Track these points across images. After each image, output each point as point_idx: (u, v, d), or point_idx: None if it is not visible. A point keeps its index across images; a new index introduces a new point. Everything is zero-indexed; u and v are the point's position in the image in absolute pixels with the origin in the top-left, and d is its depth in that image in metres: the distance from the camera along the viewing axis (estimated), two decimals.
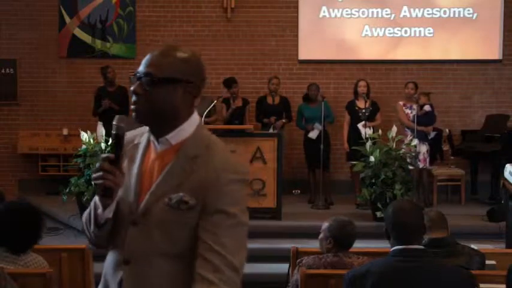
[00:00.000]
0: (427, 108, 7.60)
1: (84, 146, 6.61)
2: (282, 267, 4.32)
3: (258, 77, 8.80)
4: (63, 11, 8.84)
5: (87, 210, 1.90)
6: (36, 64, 8.91)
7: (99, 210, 1.81)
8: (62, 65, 8.93)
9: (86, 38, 8.88)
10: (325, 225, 3.43)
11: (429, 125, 7.58)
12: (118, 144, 1.78)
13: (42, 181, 8.70)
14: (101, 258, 5.13)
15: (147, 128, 1.87)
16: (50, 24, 8.86)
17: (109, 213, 1.80)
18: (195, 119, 1.87)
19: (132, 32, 8.90)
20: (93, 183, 1.79)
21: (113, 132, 1.78)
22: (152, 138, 1.85)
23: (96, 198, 1.82)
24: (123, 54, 8.90)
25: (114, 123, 1.79)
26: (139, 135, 1.91)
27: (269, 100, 8.03)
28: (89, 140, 6.61)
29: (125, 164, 1.85)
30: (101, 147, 6.58)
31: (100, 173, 1.74)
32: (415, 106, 7.45)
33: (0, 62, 8.83)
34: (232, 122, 7.82)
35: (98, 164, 1.76)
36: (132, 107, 1.82)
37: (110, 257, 1.89)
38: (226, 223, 1.73)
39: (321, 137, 7.47)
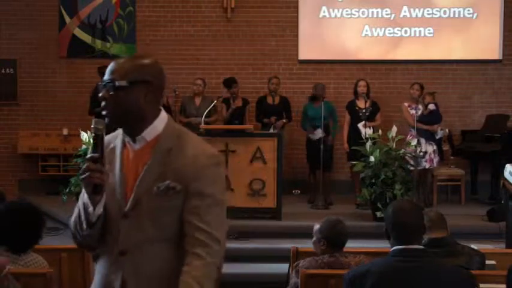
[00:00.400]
0: (431, 107, 7.59)
1: (84, 146, 6.61)
2: (282, 267, 4.32)
3: (258, 77, 8.79)
4: (63, 11, 8.84)
5: (74, 215, 2.01)
6: (36, 64, 8.91)
7: (90, 209, 1.93)
8: (62, 65, 8.92)
9: (86, 38, 8.88)
10: (316, 227, 3.44)
11: (434, 123, 7.56)
12: (99, 145, 1.95)
13: (42, 181, 8.70)
14: None
15: (120, 131, 2.06)
16: (50, 24, 8.85)
17: (99, 209, 1.94)
18: (163, 115, 2.05)
19: (132, 32, 8.90)
20: (81, 183, 1.92)
21: (93, 133, 1.96)
22: (127, 139, 2.02)
23: (85, 198, 1.94)
24: (123, 54, 8.88)
25: (92, 126, 1.95)
26: (114, 139, 2.08)
27: (269, 100, 8.03)
28: (89, 140, 6.61)
29: (107, 167, 1.98)
30: None
31: (88, 173, 1.89)
32: (420, 106, 7.44)
33: (0, 62, 8.83)
34: (232, 122, 7.82)
35: (83, 165, 1.91)
36: (103, 112, 1.98)
37: (103, 260, 2.01)
38: (206, 203, 1.92)
39: (321, 138, 7.47)
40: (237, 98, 8.00)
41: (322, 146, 7.38)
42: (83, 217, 1.95)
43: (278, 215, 6.66)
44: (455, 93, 8.89)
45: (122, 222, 1.95)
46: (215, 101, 7.60)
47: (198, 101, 7.93)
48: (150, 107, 1.99)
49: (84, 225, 1.95)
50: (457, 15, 8.83)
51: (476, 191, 8.25)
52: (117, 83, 1.96)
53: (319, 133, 7.53)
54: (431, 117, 7.52)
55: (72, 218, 2.02)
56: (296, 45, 8.88)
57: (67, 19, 8.86)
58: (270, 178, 6.66)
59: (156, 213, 1.93)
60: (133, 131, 1.99)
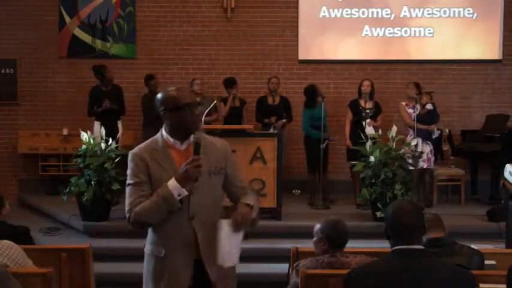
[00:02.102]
0: (428, 107, 7.60)
1: (84, 146, 6.61)
2: (282, 267, 4.32)
3: (258, 77, 8.80)
4: (63, 11, 8.84)
5: (147, 208, 2.72)
6: (36, 64, 8.91)
7: (185, 193, 2.70)
8: (62, 65, 8.92)
9: (86, 38, 8.88)
10: (316, 227, 3.44)
11: (432, 123, 7.56)
12: (199, 148, 2.71)
13: (42, 181, 8.70)
14: (101, 258, 5.13)
15: (157, 136, 2.86)
16: (50, 24, 8.85)
17: (185, 192, 2.71)
18: None
19: (132, 32, 8.90)
20: (189, 174, 2.67)
21: (195, 141, 2.72)
22: (175, 142, 2.81)
23: (175, 190, 2.68)
24: (123, 54, 8.90)
25: (195, 135, 2.74)
26: (153, 144, 2.85)
27: (269, 100, 8.04)
28: (89, 140, 6.61)
29: (159, 162, 2.78)
30: (101, 148, 6.58)
31: (198, 168, 2.68)
32: (418, 106, 7.44)
33: (0, 62, 8.83)
34: (232, 122, 7.80)
35: (194, 163, 2.67)
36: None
37: (174, 225, 2.76)
38: (237, 170, 2.99)
39: (321, 137, 7.45)
40: (236, 98, 8.00)
41: (322, 146, 7.36)
42: (164, 207, 2.70)
43: (278, 215, 6.66)
44: (455, 93, 8.89)
45: (191, 198, 2.75)
46: (215, 101, 7.59)
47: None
48: None
49: (164, 212, 2.72)
50: (457, 15, 8.84)
51: (476, 191, 8.25)
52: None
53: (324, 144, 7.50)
54: (429, 117, 7.52)
55: (143, 211, 2.72)
56: (296, 45, 8.88)
57: (67, 19, 8.86)
58: (270, 178, 6.66)
59: (213, 187, 2.84)
60: (186, 137, 2.81)
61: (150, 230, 2.89)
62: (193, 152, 2.70)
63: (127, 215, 2.78)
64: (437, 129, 7.76)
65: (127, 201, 2.79)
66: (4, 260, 3.33)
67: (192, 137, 2.78)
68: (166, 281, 2.80)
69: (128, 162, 2.85)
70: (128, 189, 2.81)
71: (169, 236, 2.80)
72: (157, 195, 2.71)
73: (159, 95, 2.83)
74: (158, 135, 2.88)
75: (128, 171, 2.83)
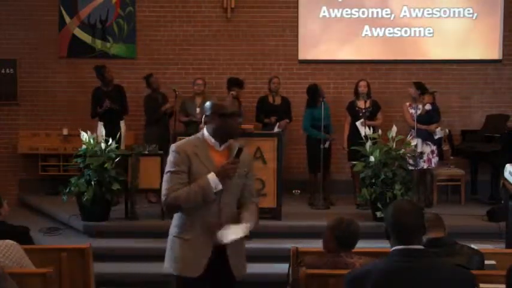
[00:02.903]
0: (427, 107, 7.60)
1: (84, 146, 6.61)
2: (282, 267, 4.31)
3: (258, 77, 8.80)
4: (63, 11, 8.84)
5: (185, 194, 3.07)
6: (36, 64, 8.91)
7: (219, 187, 3.11)
8: (62, 65, 8.92)
9: (86, 38, 8.88)
10: (329, 224, 3.43)
11: (431, 123, 7.54)
12: (240, 152, 3.12)
13: (42, 181, 8.70)
14: (101, 258, 5.13)
15: (198, 135, 3.24)
16: (50, 24, 8.86)
17: (220, 186, 3.12)
18: None
19: (132, 32, 8.90)
20: (228, 172, 3.09)
21: (240, 147, 3.13)
22: (215, 143, 3.20)
23: (214, 183, 3.08)
24: (123, 54, 8.90)
25: (241, 143, 3.18)
26: (195, 141, 3.21)
27: (270, 100, 8.03)
28: (89, 140, 6.60)
29: (198, 156, 3.15)
30: (101, 148, 6.57)
31: (236, 169, 3.13)
32: (420, 106, 7.44)
33: (0, 62, 8.83)
34: None
35: (232, 163, 3.11)
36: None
37: (202, 213, 3.13)
38: (253, 178, 3.42)
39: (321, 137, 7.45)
40: (235, 98, 7.99)
41: (323, 146, 7.36)
42: (200, 196, 3.07)
43: (278, 215, 6.65)
44: (455, 93, 8.89)
45: (223, 193, 3.13)
46: None
47: (198, 101, 7.92)
48: None
49: (199, 200, 3.08)
50: (457, 15, 8.84)
51: (476, 191, 8.25)
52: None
53: (327, 144, 7.50)
54: (428, 117, 7.52)
55: (184, 197, 3.06)
56: (296, 45, 8.88)
57: (67, 19, 8.86)
58: (270, 178, 6.66)
59: (237, 185, 3.23)
60: (225, 140, 3.20)
61: (178, 215, 3.21)
62: (235, 155, 3.12)
63: (163, 198, 3.11)
64: (441, 129, 7.70)
65: (165, 185, 3.11)
66: (4, 260, 3.33)
67: (229, 141, 3.22)
68: (188, 261, 3.14)
69: (170, 152, 3.17)
70: (166, 176, 3.13)
71: (197, 222, 3.14)
72: (197, 184, 3.06)
73: (208, 102, 3.22)
74: (199, 134, 3.25)
75: (169, 160, 3.16)
